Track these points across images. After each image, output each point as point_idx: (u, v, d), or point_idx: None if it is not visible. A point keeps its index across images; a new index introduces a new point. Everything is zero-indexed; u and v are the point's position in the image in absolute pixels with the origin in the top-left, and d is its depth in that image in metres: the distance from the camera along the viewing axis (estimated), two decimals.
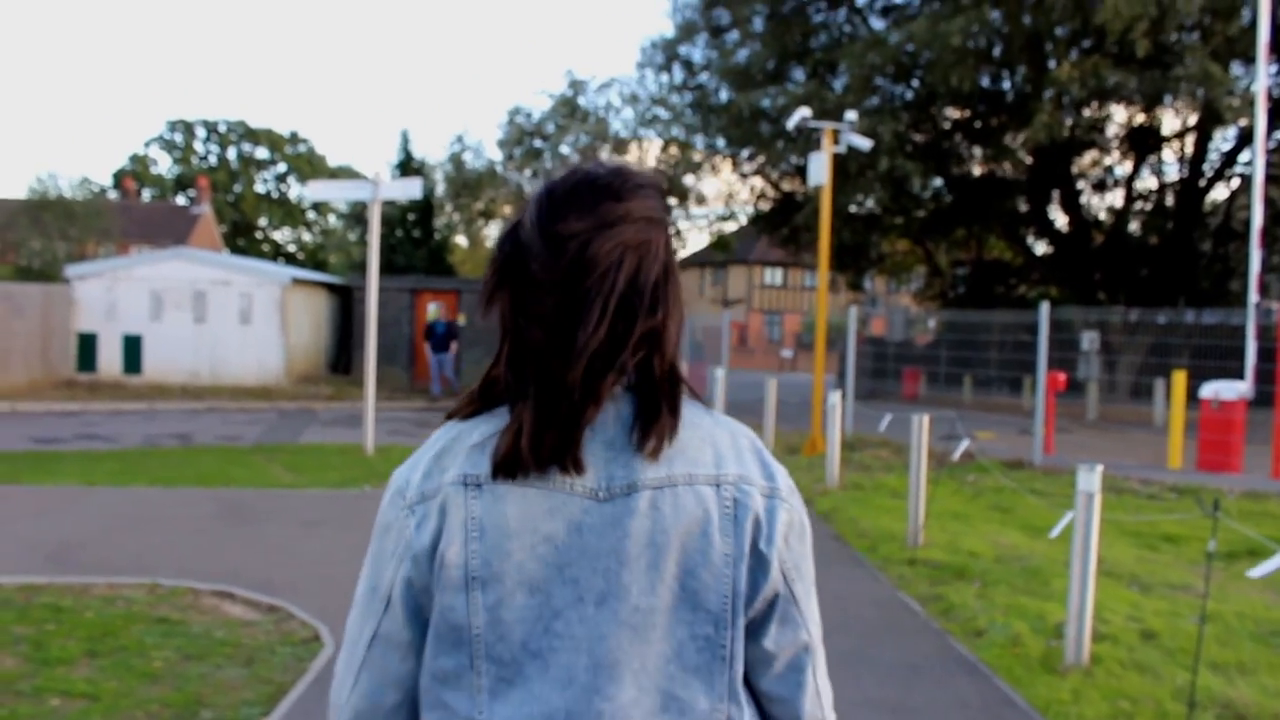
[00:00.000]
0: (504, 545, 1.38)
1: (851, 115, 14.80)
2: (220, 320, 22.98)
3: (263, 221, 74.88)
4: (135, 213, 57.07)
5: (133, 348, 22.93)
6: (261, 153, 76.36)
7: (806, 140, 18.80)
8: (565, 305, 1.39)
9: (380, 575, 1.50)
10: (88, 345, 23.02)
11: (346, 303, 26.34)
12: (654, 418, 1.42)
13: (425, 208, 30.96)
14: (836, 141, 14.49)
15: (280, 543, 8.49)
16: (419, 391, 23.62)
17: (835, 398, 11.79)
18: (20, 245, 36.68)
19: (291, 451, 13.98)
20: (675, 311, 1.50)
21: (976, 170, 23.67)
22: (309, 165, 75.83)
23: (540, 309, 1.40)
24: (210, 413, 19.37)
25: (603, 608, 1.38)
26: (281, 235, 76.95)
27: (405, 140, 32.84)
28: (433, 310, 22.34)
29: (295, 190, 76.47)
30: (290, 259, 69.34)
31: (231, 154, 75.68)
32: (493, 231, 32.89)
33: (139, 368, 22.92)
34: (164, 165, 74.93)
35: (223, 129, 75.57)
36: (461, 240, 37.15)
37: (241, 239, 70.84)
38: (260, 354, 22.92)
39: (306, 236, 76.90)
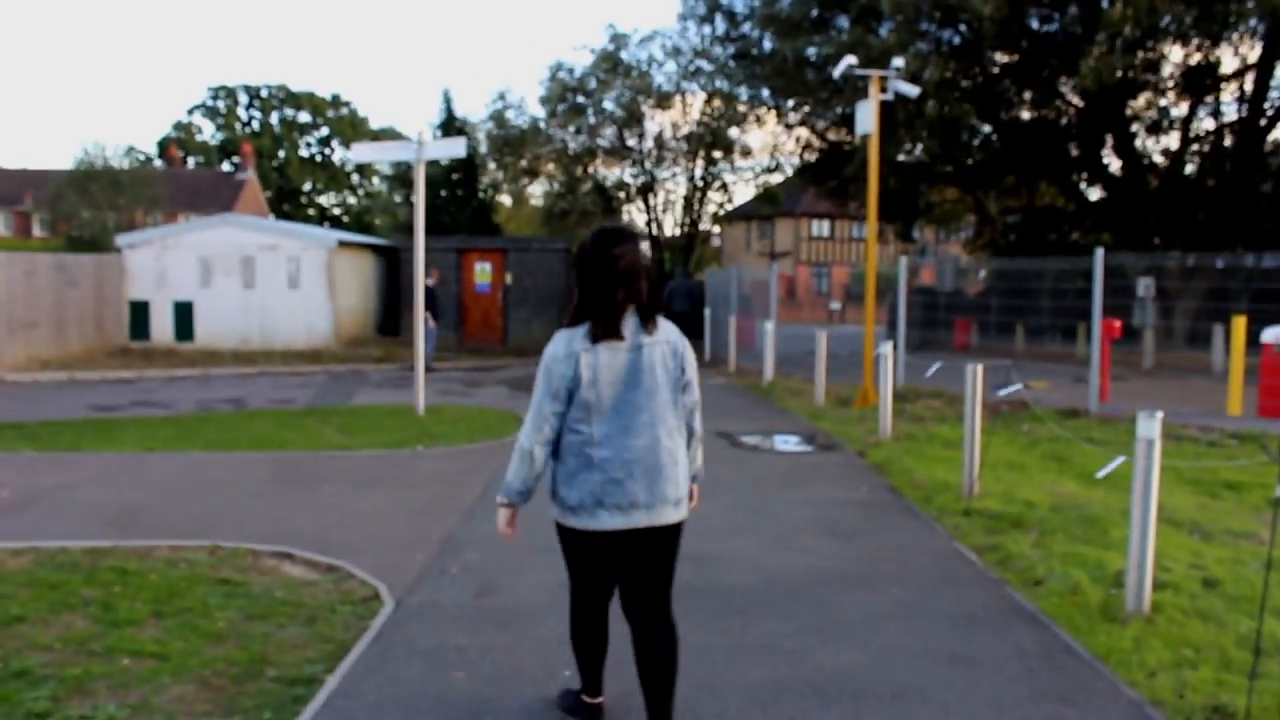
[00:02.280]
0: (599, 368, 3.97)
1: (898, 62, 14.54)
2: (269, 285, 23.18)
3: (307, 186, 75.23)
4: (181, 180, 57.59)
5: (184, 315, 23.21)
6: (304, 117, 76.61)
7: (853, 89, 18.50)
8: (611, 279, 4.02)
9: (551, 384, 3.99)
10: (140, 313, 23.34)
11: (393, 264, 26.45)
12: (646, 319, 4.09)
13: (469, 167, 30.92)
14: (883, 89, 14.24)
15: (336, 504, 8.57)
16: (469, 351, 23.73)
17: (887, 349, 11.68)
18: (71, 216, 37.17)
19: (343, 414, 14.10)
20: (644, 279, 4.10)
21: (1026, 115, 23.18)
22: (351, 128, 76.03)
23: (602, 281, 4.02)
24: (261, 377, 19.58)
25: (635, 389, 4.02)
26: (326, 199, 77.31)
27: (447, 99, 32.81)
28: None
29: (339, 154, 76.79)
30: (335, 222, 69.72)
31: (274, 119, 75.98)
32: (536, 189, 32.85)
33: (190, 334, 23.20)
34: (208, 132, 75.45)
35: (265, 94, 75.84)
36: (505, 199, 37.12)
37: (287, 204, 71.29)
38: (309, 318, 23.10)
39: (351, 200, 77.20)
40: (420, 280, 13.66)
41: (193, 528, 7.79)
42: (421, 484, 9.31)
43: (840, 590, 6.35)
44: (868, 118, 14.18)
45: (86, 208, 35.96)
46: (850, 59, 14.52)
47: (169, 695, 4.85)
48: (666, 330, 4.15)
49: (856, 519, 8.19)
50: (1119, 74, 17.95)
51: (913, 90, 14.53)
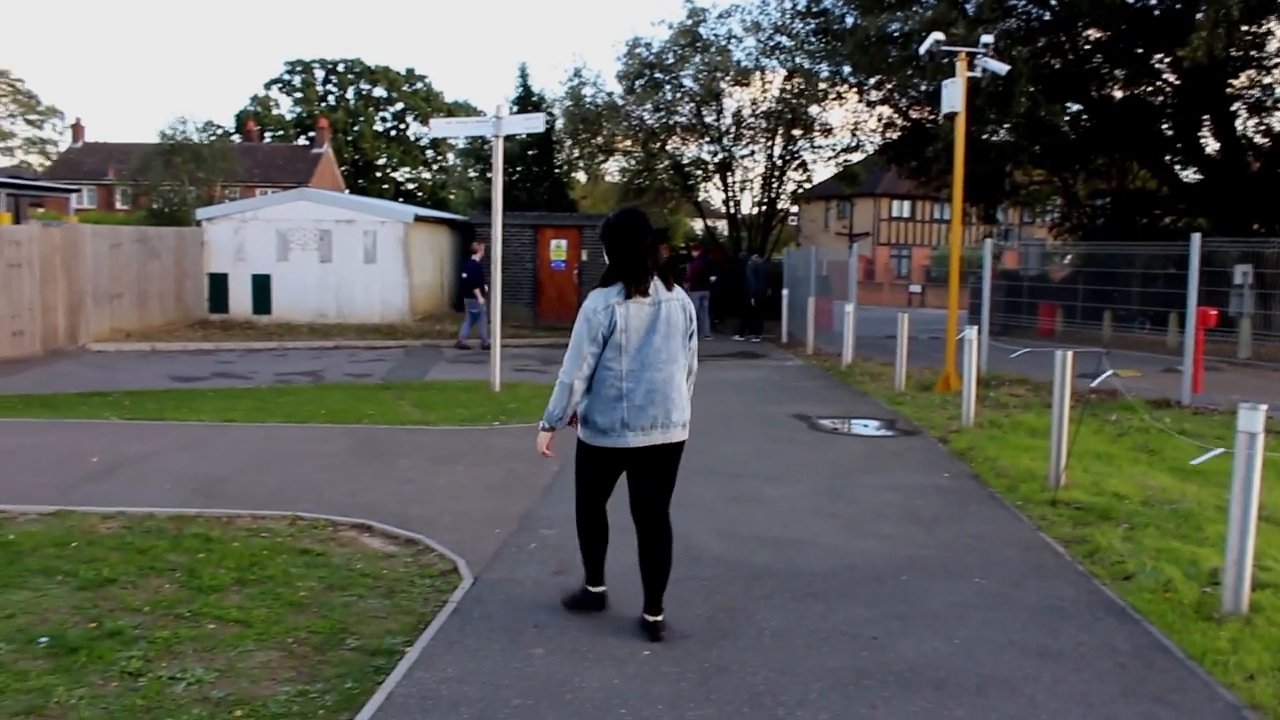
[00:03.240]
0: (629, 319, 5.06)
1: (987, 38, 14.19)
2: (345, 259, 23.43)
3: (381, 161, 75.91)
4: (258, 154, 58.52)
5: (261, 288, 23.56)
6: (379, 92, 77.26)
7: (937, 66, 18.12)
8: (639, 250, 5.11)
9: (591, 330, 5.04)
10: (219, 286, 23.75)
11: (468, 240, 26.59)
12: (664, 281, 5.21)
13: (545, 143, 30.91)
14: (971, 67, 13.93)
15: (414, 478, 8.61)
16: (543, 328, 23.77)
17: (971, 333, 11.44)
18: (153, 189, 37.92)
19: (419, 388, 14.20)
20: (658, 252, 5.24)
21: (1118, 94, 22.52)
22: (426, 103, 76.57)
23: (632, 251, 5.11)
24: (337, 351, 19.80)
25: (655, 335, 5.10)
26: (401, 174, 77.96)
27: (524, 75, 32.85)
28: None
29: (413, 128, 77.37)
30: (410, 197, 70.29)
31: (350, 94, 76.72)
32: (612, 166, 32.73)
33: (268, 307, 23.55)
34: (285, 106, 76.44)
35: (341, 69, 76.59)
36: (580, 175, 37.10)
37: (362, 178, 72.06)
38: (384, 292, 23.31)
39: (425, 175, 77.75)
40: (498, 255, 13.67)
41: (273, 498, 7.88)
42: (498, 460, 9.32)
43: (923, 578, 6.22)
44: (954, 96, 13.88)
45: (168, 181, 36.65)
46: (937, 35, 14.21)
47: (253, 661, 4.90)
48: (678, 291, 5.28)
49: (938, 506, 8.03)
50: (1223, 51, 17.30)
51: (1002, 68, 14.18)
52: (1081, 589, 6.08)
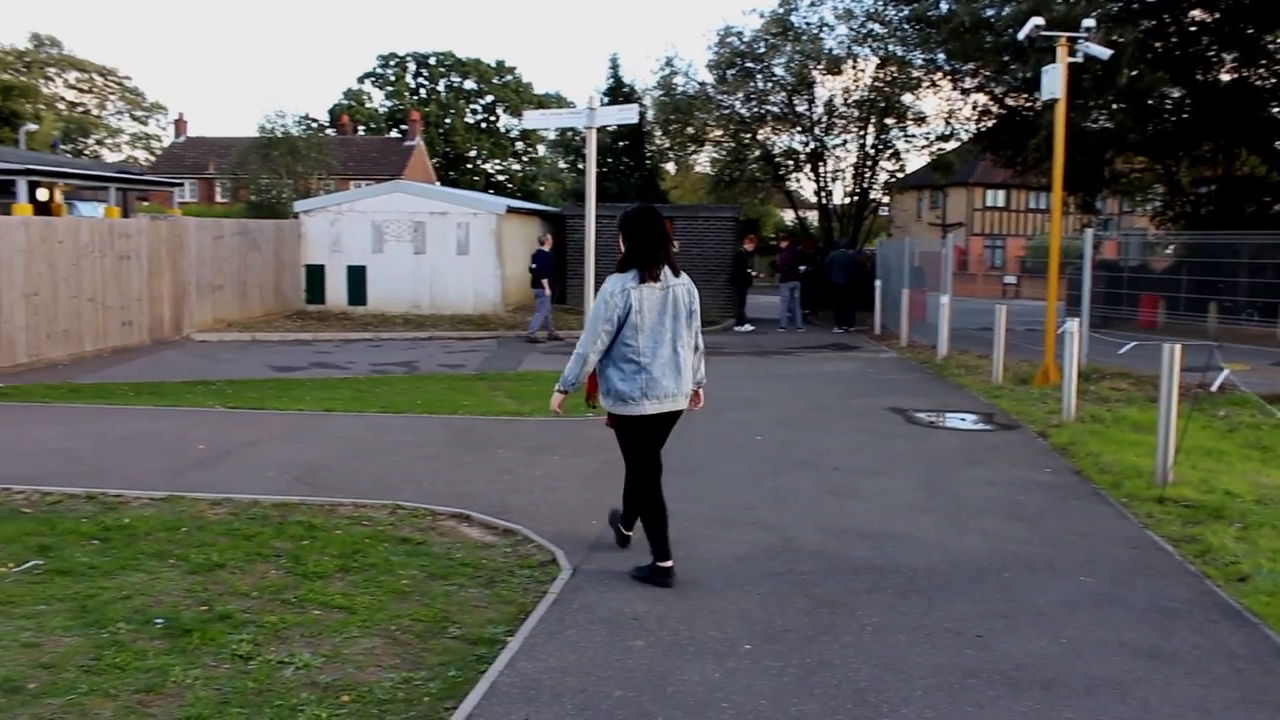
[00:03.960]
0: (643, 302, 5.74)
1: (1089, 22, 13.82)
2: (438, 251, 23.71)
3: (472, 152, 76.68)
4: (352, 147, 59.50)
5: (357, 279, 23.96)
6: (470, 84, 78.04)
7: (1036, 52, 17.72)
8: (654, 241, 5.79)
9: (609, 310, 5.70)
10: (315, 277, 24.22)
11: (559, 231, 26.72)
12: (674, 270, 5.89)
13: (636, 134, 30.93)
14: (1072, 52, 13.58)
15: (511, 468, 8.68)
16: None
17: (1072, 325, 11.18)
18: (252, 182, 38.81)
19: (513, 379, 14.31)
20: (670, 243, 5.93)
21: (1225, 77, 21.77)
22: (516, 95, 77.15)
23: (648, 242, 5.77)
24: (431, 341, 20.05)
25: (664, 315, 5.79)
26: (491, 165, 78.67)
27: (615, 65, 33.10)
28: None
29: (503, 120, 78.02)
30: (500, 189, 70.92)
31: (441, 86, 77.61)
32: (702, 156, 32.64)
33: (363, 298, 23.95)
34: (377, 100, 77.61)
35: (433, 62, 77.50)
36: (670, 166, 37.04)
37: (452, 170, 72.85)
38: (477, 284, 23.56)
39: (515, 166, 78.36)
40: (592, 247, 13.69)
41: (373, 487, 8.01)
42: (592, 451, 9.35)
43: (1026, 575, 6.10)
44: (1055, 82, 13.55)
45: (266, 174, 37.46)
46: (1037, 20, 13.88)
47: (358, 647, 4.98)
48: (684, 278, 5.99)
49: (1040, 502, 7.86)
50: None
51: (1104, 52, 13.80)
52: (1194, 590, 5.90)
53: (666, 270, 5.82)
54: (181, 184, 30.39)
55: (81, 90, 75.29)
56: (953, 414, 11.84)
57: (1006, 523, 7.24)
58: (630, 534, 6.49)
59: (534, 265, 20.13)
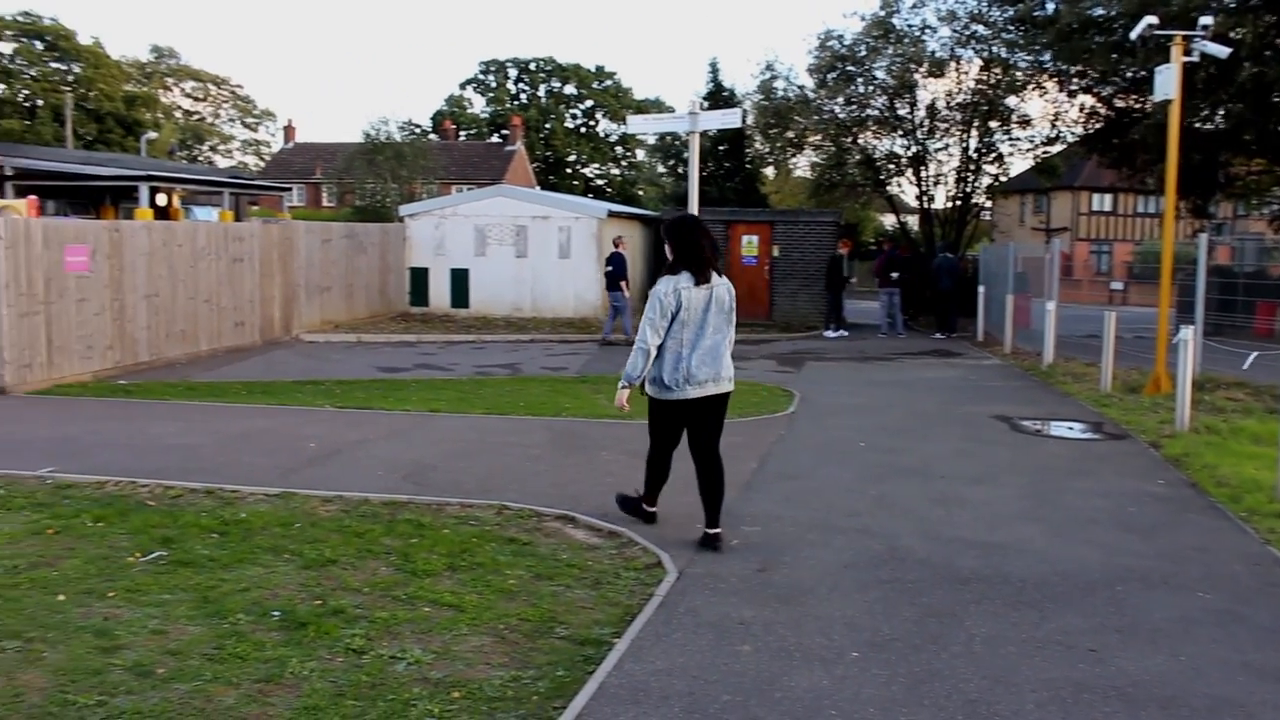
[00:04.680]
0: (692, 299, 6.46)
1: (1205, 19, 13.41)
2: (540, 254, 23.95)
3: (571, 157, 77.29)
4: (454, 152, 60.43)
5: (460, 282, 24.33)
6: (570, 89, 78.70)
7: (1147, 51, 17.27)
8: (702, 246, 6.54)
9: (664, 309, 6.43)
10: (419, 280, 24.65)
11: (659, 235, 26.75)
12: (719, 271, 6.66)
13: (736, 138, 30.86)
14: (1187, 51, 13.20)
15: (614, 470, 8.74)
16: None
17: (1186, 333, 10.87)
18: (358, 187, 39.67)
19: (614, 382, 14.17)
20: (714, 246, 6.70)
21: None
22: (615, 99, 77.58)
23: (697, 248, 6.51)
24: (533, 344, 20.26)
25: (708, 312, 6.50)
26: (590, 170, 79.22)
27: (714, 70, 32.89)
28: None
29: (603, 125, 78.53)
30: (599, 193, 71.36)
31: (541, 91, 78.40)
32: (802, 161, 32.42)
33: (466, 301, 24.30)
34: (478, 105, 78.72)
35: (533, 67, 78.34)
36: (769, 171, 36.86)
37: (552, 175, 73.51)
38: (578, 287, 23.74)
39: (615, 171, 78.79)
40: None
41: (479, 487, 8.14)
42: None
43: (1141, 589, 5.95)
44: (1168, 82, 13.19)
45: (372, 179, 38.24)
46: (1150, 19, 13.53)
47: (468, 645, 5.07)
48: (724, 279, 6.70)
49: (1154, 514, 7.66)
50: None
51: (1222, 51, 13.38)
52: None
53: (709, 273, 6.57)
54: (290, 189, 31.15)
55: (197, 99, 77.86)
56: (1060, 422, 11.59)
57: (1118, 535, 7.08)
58: (655, 510, 7.21)
59: (609, 268, 20.19)
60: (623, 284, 19.90)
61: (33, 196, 17.95)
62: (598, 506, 7.50)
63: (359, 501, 7.62)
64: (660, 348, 6.51)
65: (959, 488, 8.36)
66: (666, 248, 6.62)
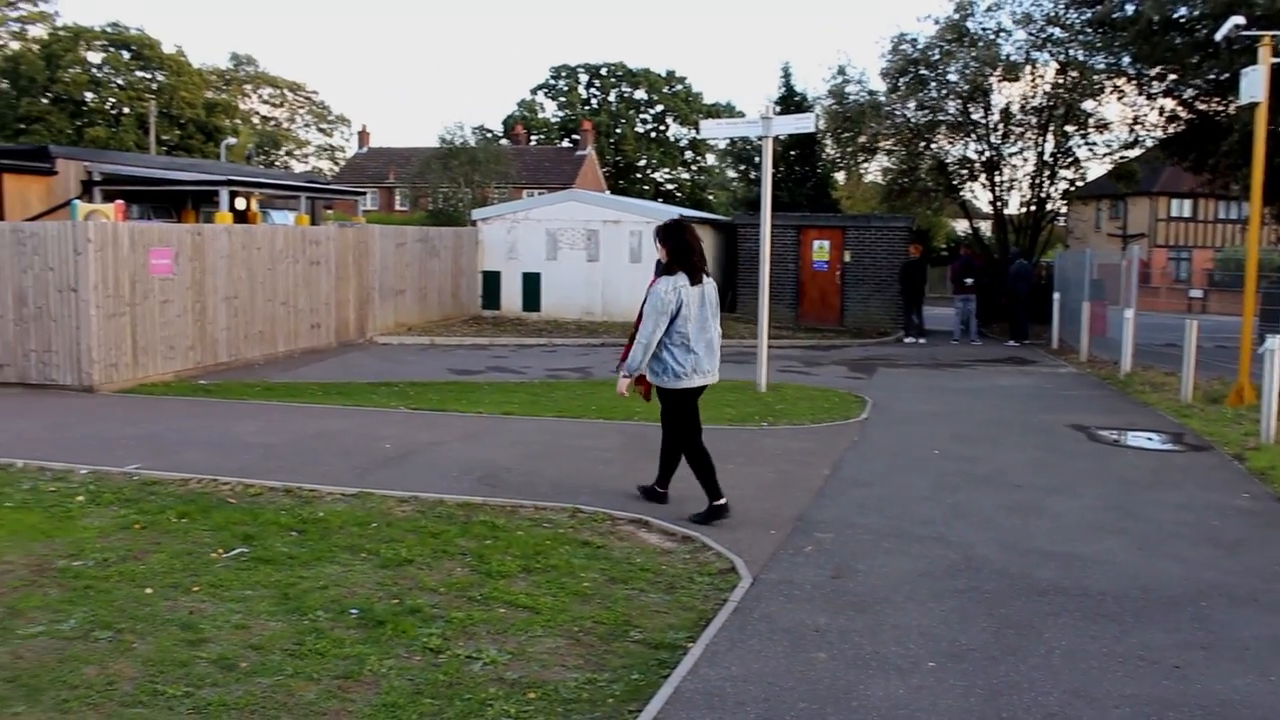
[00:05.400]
0: (690, 298, 7.15)
1: None
2: (611, 259, 24.03)
3: (641, 162, 77.47)
4: (526, 157, 60.80)
5: (532, 285, 24.50)
6: (640, 94, 78.90)
7: (1232, 52, 16.88)
8: (697, 250, 7.27)
9: (665, 307, 7.07)
10: (491, 283, 24.87)
11: (730, 240, 26.74)
12: (706, 273, 7.35)
13: (807, 143, 30.73)
14: (1276, 51, 12.88)
15: (686, 475, 8.65)
16: (805, 329, 23.63)
17: (1273, 343, 10.60)
18: (432, 191, 40.13)
19: None
20: (701, 250, 7.38)
21: None
22: (686, 104, 77.61)
23: (693, 250, 7.25)
24: (604, 348, 20.32)
25: (704, 308, 7.24)
26: (660, 175, 79.35)
27: (786, 74, 32.69)
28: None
29: (673, 130, 78.60)
30: (669, 198, 71.41)
31: (612, 96, 78.70)
32: (873, 166, 32.16)
33: (537, 305, 24.46)
34: (549, 110, 79.22)
35: (604, 72, 78.67)
36: (840, 175, 36.61)
37: (622, 179, 73.72)
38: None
39: (685, 175, 78.82)
40: (766, 256, 13.69)
41: (552, 489, 8.19)
42: (768, 460, 9.35)
43: (1227, 606, 5.82)
44: (1255, 84, 12.87)
45: (446, 183, 38.66)
46: (1236, 19, 13.23)
47: (543, 646, 5.11)
48: (710, 279, 7.37)
49: (1240, 528, 7.48)
50: None
51: None
52: None
53: (701, 274, 7.29)
54: (365, 193, 31.59)
55: (274, 105, 79.35)
56: (1139, 432, 11.37)
57: (1202, 549, 6.92)
58: (666, 491, 7.77)
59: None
60: None
61: (119, 201, 18.38)
62: (672, 511, 7.51)
63: (434, 502, 7.71)
64: (667, 342, 7.17)
65: (1036, 497, 8.24)
66: (661, 251, 7.33)
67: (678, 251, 7.23)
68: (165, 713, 4.36)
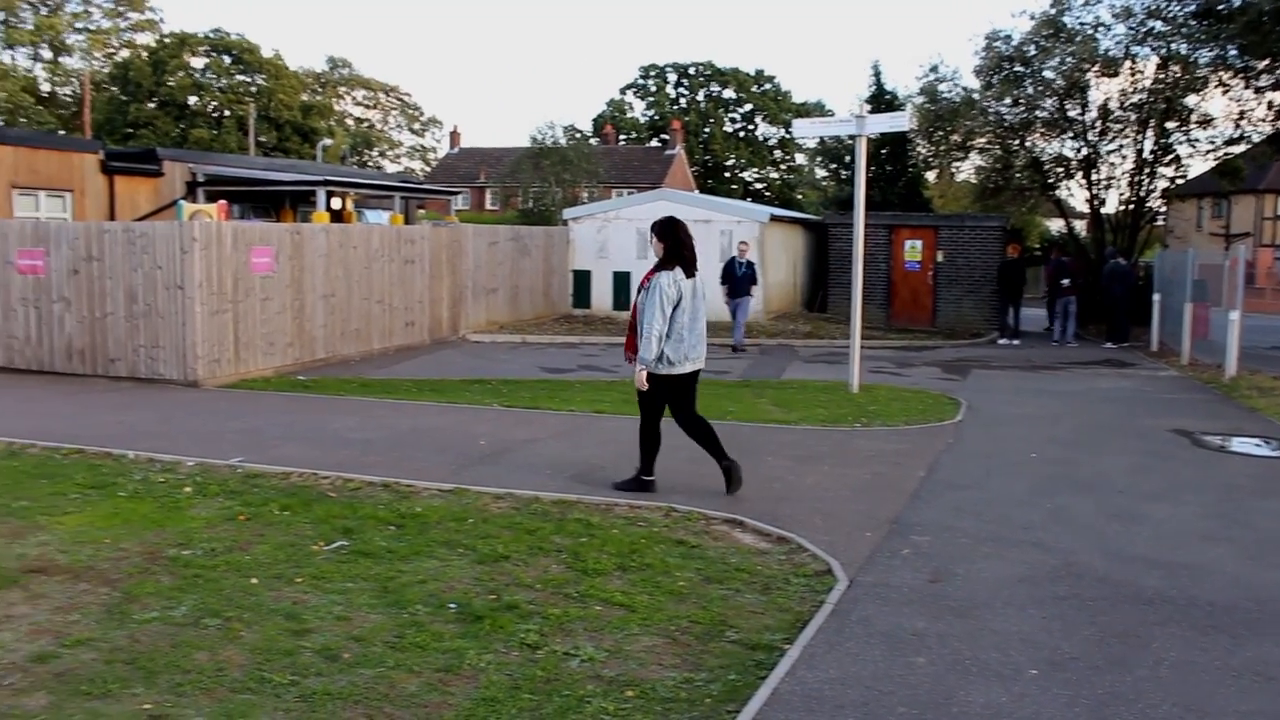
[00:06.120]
0: (685, 290, 7.65)
1: None
2: (701, 258, 23.65)
3: (730, 161, 77.30)
4: (615, 156, 61.07)
5: (621, 284, 24.56)
6: (729, 93, 78.77)
7: None
8: (690, 245, 7.79)
9: (666, 299, 7.55)
10: (582, 282, 25.00)
11: (821, 240, 26.54)
12: (695, 265, 7.85)
13: (898, 142, 30.37)
14: None
15: (780, 475, 8.71)
16: (896, 330, 23.35)
17: None
18: (523, 190, 40.47)
19: (776, 387, 14.34)
20: (692, 245, 7.91)
21: None
22: (775, 103, 77.28)
23: (686, 246, 7.75)
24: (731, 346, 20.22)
25: (696, 298, 7.75)
26: (749, 174, 79.12)
27: (877, 72, 32.35)
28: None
29: (762, 129, 78.31)
30: (758, 197, 71.12)
31: (700, 96, 78.65)
32: (966, 164, 31.66)
33: (628, 304, 24.51)
34: (638, 110, 79.46)
35: (692, 72, 78.66)
36: (931, 175, 36.08)
37: (711, 179, 73.62)
38: None
39: (773, 174, 78.47)
40: (859, 256, 13.56)
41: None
42: (862, 462, 9.26)
43: None
44: None
45: (538, 183, 38.96)
46: None
47: (639, 645, 5.13)
48: (699, 273, 7.81)
49: None
50: None
51: None
52: None
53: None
54: (458, 193, 32.03)
55: (367, 106, 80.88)
56: (1246, 438, 11.03)
57: None
58: (653, 478, 8.15)
59: (743, 271, 19.76)
60: (753, 289, 19.76)
61: (222, 201, 18.90)
62: (766, 511, 7.48)
63: (529, 499, 7.78)
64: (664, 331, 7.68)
65: (1138, 504, 8.04)
66: (657, 246, 7.81)
67: (672, 247, 7.71)
68: (273, 699, 4.48)
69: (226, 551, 6.44)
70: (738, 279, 19.77)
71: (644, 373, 7.71)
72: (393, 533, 6.90)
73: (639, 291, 7.85)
